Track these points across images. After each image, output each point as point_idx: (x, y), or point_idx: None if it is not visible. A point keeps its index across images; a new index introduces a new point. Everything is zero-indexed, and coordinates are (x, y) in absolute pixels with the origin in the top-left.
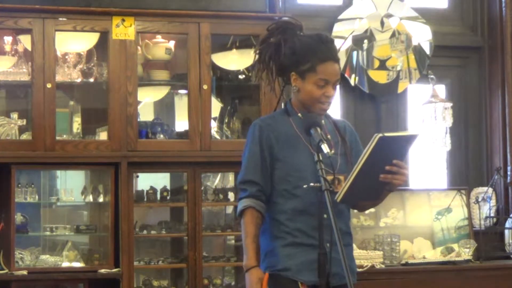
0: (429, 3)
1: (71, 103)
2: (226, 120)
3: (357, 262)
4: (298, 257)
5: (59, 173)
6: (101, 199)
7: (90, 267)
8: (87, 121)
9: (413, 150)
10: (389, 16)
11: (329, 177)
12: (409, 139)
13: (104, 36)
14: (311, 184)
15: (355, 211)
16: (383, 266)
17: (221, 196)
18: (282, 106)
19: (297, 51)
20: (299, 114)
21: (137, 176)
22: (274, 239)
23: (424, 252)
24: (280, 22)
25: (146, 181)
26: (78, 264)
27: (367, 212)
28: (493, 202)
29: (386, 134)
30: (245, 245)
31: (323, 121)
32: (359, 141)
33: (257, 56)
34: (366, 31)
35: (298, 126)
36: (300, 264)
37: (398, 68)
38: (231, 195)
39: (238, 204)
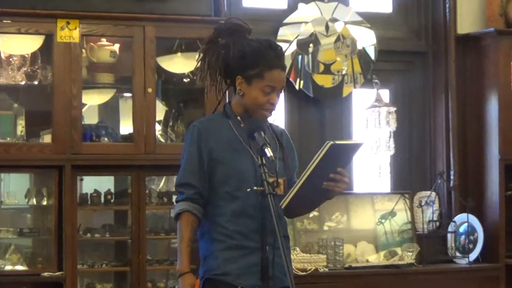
0: (373, 8)
1: (15, 105)
2: (171, 124)
3: (301, 265)
4: (238, 261)
5: (2, 176)
6: (44, 202)
7: (33, 270)
8: (31, 124)
9: (357, 154)
10: (334, 20)
11: (271, 180)
12: (356, 147)
13: (49, 39)
14: (254, 187)
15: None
16: (326, 269)
17: (165, 199)
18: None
19: (246, 55)
20: (238, 118)
21: (81, 179)
22: (214, 242)
23: (367, 255)
24: (230, 23)
25: (90, 184)
26: (21, 268)
27: (310, 215)
28: (436, 206)
29: (337, 142)
30: (179, 250)
31: None
32: (294, 148)
33: (201, 55)
34: (311, 35)
35: (237, 128)
36: (240, 268)
37: (344, 72)
38: (175, 199)
39: (174, 207)
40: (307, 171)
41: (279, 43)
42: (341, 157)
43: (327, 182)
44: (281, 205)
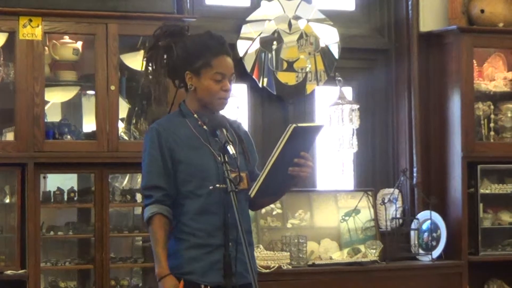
0: (336, 6)
1: None
2: (134, 121)
3: (264, 263)
4: (202, 259)
5: None
6: (7, 200)
7: None
8: None
9: (320, 151)
10: (297, 18)
11: (233, 174)
12: (317, 129)
13: (11, 36)
14: (217, 185)
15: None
16: (290, 267)
17: (128, 197)
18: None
19: (189, 49)
20: (195, 115)
21: (45, 177)
22: (178, 241)
23: (331, 253)
24: (165, 26)
25: (53, 182)
26: None
27: (274, 213)
28: (399, 203)
29: (300, 125)
30: (156, 253)
31: None
32: (252, 141)
33: (144, 63)
34: (274, 32)
35: (195, 127)
36: (204, 266)
37: (307, 70)
38: (138, 196)
39: (144, 211)
40: (272, 156)
41: (242, 41)
42: (304, 140)
43: (292, 168)
44: (250, 193)
